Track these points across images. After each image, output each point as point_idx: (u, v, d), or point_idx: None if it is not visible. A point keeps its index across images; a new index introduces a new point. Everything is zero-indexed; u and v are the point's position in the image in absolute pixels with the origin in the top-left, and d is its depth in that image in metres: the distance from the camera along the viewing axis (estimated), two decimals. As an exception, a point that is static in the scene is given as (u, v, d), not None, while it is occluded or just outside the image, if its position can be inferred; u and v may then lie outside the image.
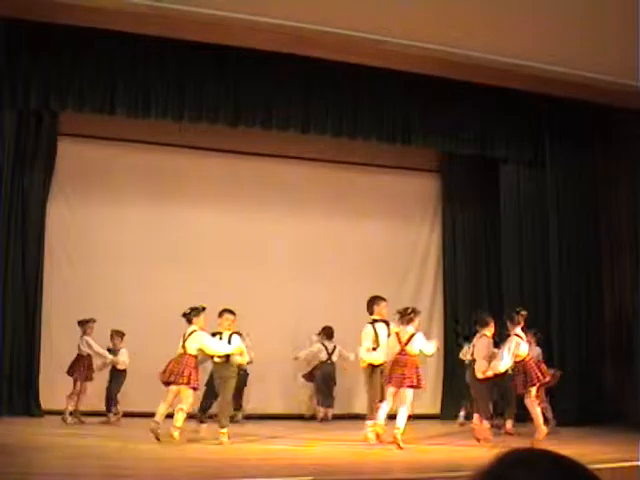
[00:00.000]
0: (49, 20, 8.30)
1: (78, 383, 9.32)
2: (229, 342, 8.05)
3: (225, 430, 7.85)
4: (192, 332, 7.92)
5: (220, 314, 8.23)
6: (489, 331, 8.30)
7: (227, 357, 8.05)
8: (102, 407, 9.51)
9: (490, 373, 7.95)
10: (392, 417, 7.85)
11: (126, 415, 9.64)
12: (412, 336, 7.93)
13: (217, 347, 8.00)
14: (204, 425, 8.60)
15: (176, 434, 7.59)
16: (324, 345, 10.96)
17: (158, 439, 7.51)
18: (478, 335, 8.47)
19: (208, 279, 10.86)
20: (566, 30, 8.51)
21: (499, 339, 8.65)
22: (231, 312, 8.22)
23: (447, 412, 11.13)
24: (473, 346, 8.67)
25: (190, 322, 7.96)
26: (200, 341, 7.90)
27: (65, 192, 10.70)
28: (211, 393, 8.66)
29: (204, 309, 8.05)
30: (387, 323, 8.24)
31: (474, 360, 8.34)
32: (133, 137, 10.89)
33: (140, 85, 9.09)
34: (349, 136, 10.12)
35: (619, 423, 9.56)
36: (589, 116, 10.82)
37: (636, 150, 10.40)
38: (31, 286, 10.12)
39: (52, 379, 9.77)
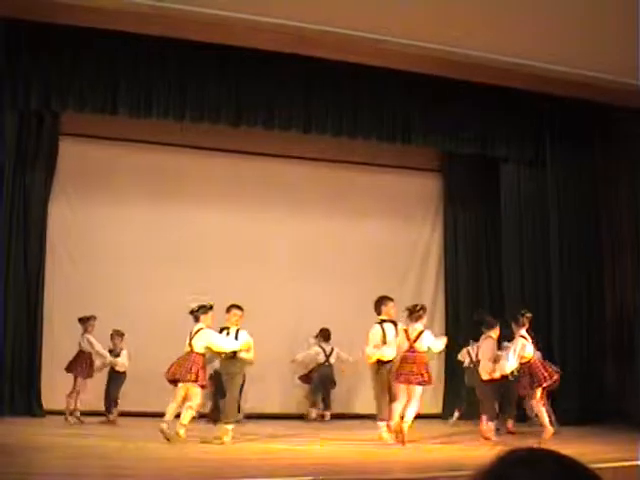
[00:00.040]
0: (49, 20, 8.30)
1: (78, 380, 9.27)
2: (236, 338, 8.00)
3: (230, 427, 7.84)
4: (199, 330, 7.88)
5: (228, 309, 8.19)
6: (494, 333, 8.34)
7: (234, 353, 8.00)
8: (102, 407, 9.49)
9: (497, 374, 7.97)
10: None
11: (127, 415, 9.64)
12: (421, 333, 7.99)
13: (224, 344, 7.94)
14: (216, 424, 8.45)
15: (182, 432, 7.53)
16: (322, 347, 10.95)
17: (168, 439, 7.44)
18: (483, 337, 8.49)
19: (209, 279, 10.85)
20: (566, 29, 8.51)
21: (499, 340, 8.70)
22: (239, 307, 8.19)
23: (448, 411, 11.12)
24: (477, 347, 8.69)
25: (197, 320, 7.92)
26: (207, 339, 7.85)
27: (66, 192, 10.71)
28: (220, 391, 8.56)
29: (212, 307, 8.02)
30: (395, 323, 8.23)
31: (478, 362, 8.36)
32: (135, 137, 10.89)
33: (142, 85, 9.10)
34: (349, 136, 10.13)
35: (620, 422, 9.56)
36: (589, 115, 10.82)
37: (636, 149, 10.40)
38: (33, 286, 10.13)
39: (54, 379, 9.77)
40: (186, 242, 11.02)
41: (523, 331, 8.10)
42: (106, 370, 9.61)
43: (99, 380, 9.53)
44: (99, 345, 9.40)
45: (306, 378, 11.04)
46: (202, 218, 11.19)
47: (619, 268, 10.88)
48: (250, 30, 8.41)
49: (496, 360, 8.11)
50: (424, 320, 8.09)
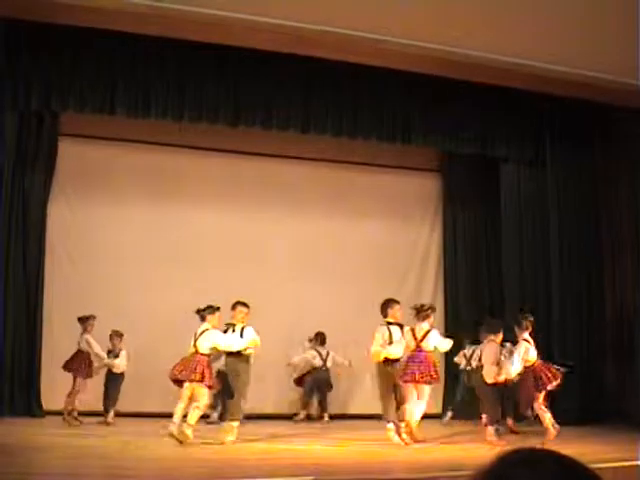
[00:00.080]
0: (49, 20, 8.30)
1: (78, 380, 9.23)
2: (241, 335, 7.97)
3: (236, 424, 7.81)
4: (204, 331, 7.84)
5: (233, 306, 8.17)
6: (497, 337, 8.37)
7: (239, 351, 7.97)
8: (101, 407, 9.46)
9: (502, 378, 8.01)
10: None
11: (127, 415, 9.64)
12: (427, 332, 8.02)
13: (231, 343, 7.90)
14: (225, 423, 8.34)
15: (189, 432, 7.47)
16: (318, 351, 10.93)
17: (180, 442, 7.38)
18: (486, 340, 8.53)
19: (208, 279, 10.86)
20: (566, 29, 8.51)
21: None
22: (245, 304, 8.16)
23: (455, 412, 11.11)
24: (480, 351, 8.72)
25: (203, 319, 7.88)
26: (213, 340, 7.80)
27: (66, 192, 10.71)
28: (227, 391, 8.45)
29: (219, 308, 7.98)
30: (401, 326, 8.23)
31: (481, 366, 8.40)
32: (133, 137, 10.90)
33: (140, 85, 9.09)
34: (349, 136, 10.12)
35: (620, 422, 9.55)
36: (589, 115, 10.82)
37: (636, 149, 10.40)
38: (32, 286, 10.13)
39: (53, 379, 9.76)
40: (185, 242, 11.03)
41: (526, 335, 8.14)
42: (104, 371, 9.56)
43: (99, 380, 9.52)
44: (97, 346, 9.35)
45: (300, 381, 11.01)
46: (201, 218, 11.19)
47: (619, 268, 10.88)
48: (249, 30, 8.40)
49: (499, 364, 8.13)
50: (431, 319, 8.14)
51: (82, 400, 9.33)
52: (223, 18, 8.15)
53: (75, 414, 9.25)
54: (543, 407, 8.05)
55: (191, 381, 7.60)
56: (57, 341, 9.97)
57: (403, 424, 7.98)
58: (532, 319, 8.28)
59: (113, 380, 9.47)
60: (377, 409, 10.60)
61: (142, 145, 11.04)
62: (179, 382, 7.77)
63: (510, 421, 9.18)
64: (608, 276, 10.91)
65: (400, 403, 8.04)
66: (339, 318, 11.27)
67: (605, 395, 10.33)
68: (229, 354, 8.07)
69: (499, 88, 9.94)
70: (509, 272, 11.20)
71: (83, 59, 8.85)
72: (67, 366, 9.28)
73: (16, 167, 10.10)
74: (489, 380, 8.12)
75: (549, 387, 8.06)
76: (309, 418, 10.82)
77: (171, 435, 7.42)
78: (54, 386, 9.71)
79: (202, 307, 7.95)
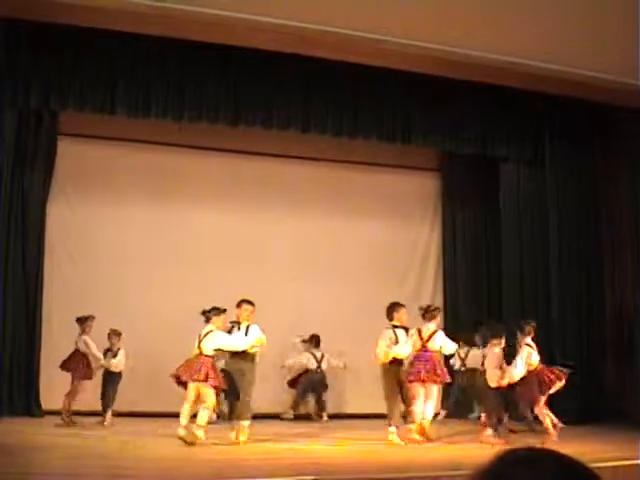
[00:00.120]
0: (49, 20, 8.30)
1: (76, 380, 9.17)
2: (246, 334, 7.94)
3: (247, 423, 7.79)
4: (208, 332, 7.79)
5: (239, 304, 8.13)
6: (501, 342, 8.42)
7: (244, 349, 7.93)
8: (99, 407, 9.44)
9: (505, 382, 8.04)
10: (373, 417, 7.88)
11: (128, 415, 9.64)
12: (434, 333, 8.07)
13: (236, 343, 7.87)
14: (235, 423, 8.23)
15: (200, 433, 7.43)
16: (312, 353, 10.91)
17: (189, 443, 7.34)
18: (490, 345, 8.57)
19: (208, 278, 10.87)
20: (566, 28, 8.51)
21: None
22: (250, 303, 8.12)
23: (448, 411, 11.13)
24: (484, 356, 8.75)
25: (208, 321, 7.83)
26: (218, 342, 7.76)
27: (65, 192, 10.71)
28: (233, 391, 8.32)
29: (225, 310, 7.93)
30: (406, 329, 8.24)
31: (484, 370, 8.44)
32: (133, 137, 10.90)
33: (140, 85, 9.09)
34: (349, 135, 10.12)
35: (620, 421, 9.55)
36: (589, 115, 10.82)
37: (636, 148, 10.40)
38: (31, 286, 10.13)
39: (52, 379, 9.76)
40: (185, 242, 11.03)
41: (529, 339, 8.19)
42: (101, 370, 9.47)
43: (98, 380, 9.49)
44: (95, 348, 9.27)
45: (293, 383, 10.97)
46: (201, 218, 11.19)
47: (619, 267, 10.88)
48: (250, 30, 8.40)
49: (502, 367, 8.17)
50: (437, 320, 8.17)
51: (81, 400, 9.30)
52: (224, 18, 8.14)
53: (70, 415, 9.16)
54: (544, 410, 8.08)
55: (194, 381, 7.56)
56: (56, 341, 9.96)
57: (413, 426, 8.00)
58: (534, 324, 8.33)
59: (110, 380, 9.39)
60: (376, 408, 10.62)
61: (142, 145, 11.04)
62: (183, 384, 7.75)
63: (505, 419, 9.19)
64: (608, 275, 10.91)
65: (407, 404, 8.06)
66: (339, 318, 11.28)
67: (605, 394, 10.33)
68: (233, 354, 8.03)
69: (499, 88, 9.94)
70: (509, 271, 11.20)
71: (83, 59, 8.84)
72: (64, 365, 9.23)
73: (15, 166, 10.09)
74: (492, 384, 8.18)
75: (552, 390, 8.11)
76: (306, 418, 10.79)
77: (179, 438, 7.37)
78: (53, 386, 9.71)
79: (207, 308, 7.89)
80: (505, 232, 11.32)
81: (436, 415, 10.58)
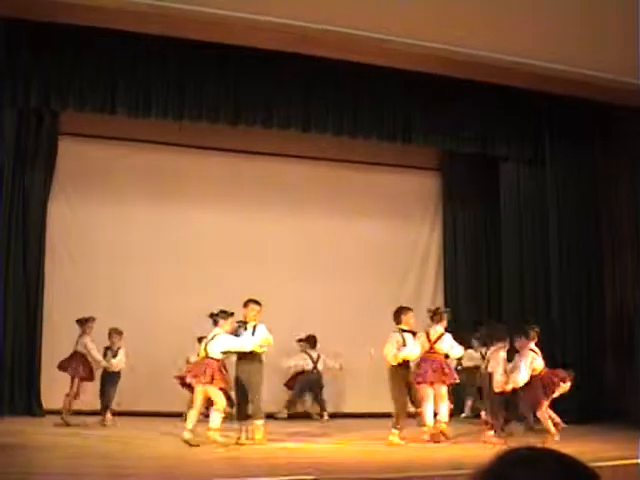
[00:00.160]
0: (50, 19, 8.29)
1: (75, 381, 9.12)
2: (253, 333, 7.93)
3: (261, 422, 7.77)
4: (215, 335, 7.75)
5: (245, 304, 8.11)
6: (505, 345, 8.46)
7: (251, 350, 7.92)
8: (99, 406, 9.42)
9: (509, 387, 8.07)
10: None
11: (128, 415, 9.64)
12: (441, 335, 8.10)
13: (243, 344, 7.84)
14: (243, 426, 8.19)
15: (216, 435, 7.38)
16: (308, 354, 10.88)
17: (196, 446, 7.32)
18: (494, 348, 8.60)
19: (208, 278, 10.87)
20: (566, 28, 8.51)
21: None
22: (257, 302, 8.10)
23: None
24: (488, 359, 8.78)
25: (216, 324, 7.79)
26: (225, 345, 7.71)
27: (66, 191, 10.71)
28: (241, 392, 8.27)
29: (232, 314, 7.89)
30: (414, 333, 8.25)
31: (490, 373, 8.49)
32: (134, 136, 10.90)
33: (141, 84, 9.08)
34: (350, 135, 10.11)
35: (620, 420, 9.55)
36: (589, 114, 10.82)
37: (636, 147, 10.40)
38: (32, 285, 10.13)
39: (53, 378, 9.74)
40: (185, 241, 11.03)
41: (532, 345, 8.22)
42: (100, 369, 9.42)
43: (98, 379, 9.48)
44: (95, 349, 9.21)
45: (290, 384, 10.94)
46: (201, 217, 11.19)
47: (619, 266, 10.88)
48: (251, 29, 8.39)
49: (506, 372, 8.20)
50: (445, 323, 8.17)
51: (82, 400, 9.26)
52: (224, 17, 8.14)
53: (67, 415, 9.11)
54: (546, 414, 8.11)
55: (200, 383, 7.52)
56: (57, 340, 9.95)
57: (426, 428, 8.02)
58: (538, 330, 8.35)
59: (110, 379, 9.35)
60: (375, 408, 10.66)
61: (142, 144, 11.04)
62: (188, 385, 7.73)
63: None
64: (608, 274, 10.91)
65: (417, 406, 8.07)
66: (339, 318, 11.28)
67: (605, 393, 10.32)
68: (241, 354, 8.02)
69: (499, 87, 9.94)
70: (509, 271, 11.20)
71: (84, 58, 8.83)
72: (62, 365, 9.18)
73: (16, 166, 10.09)
74: (497, 389, 8.22)
75: (556, 394, 8.14)
76: (304, 417, 10.78)
77: (184, 441, 7.35)
78: (54, 385, 9.70)
79: (215, 311, 7.85)
80: (505, 232, 11.32)
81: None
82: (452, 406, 8.81)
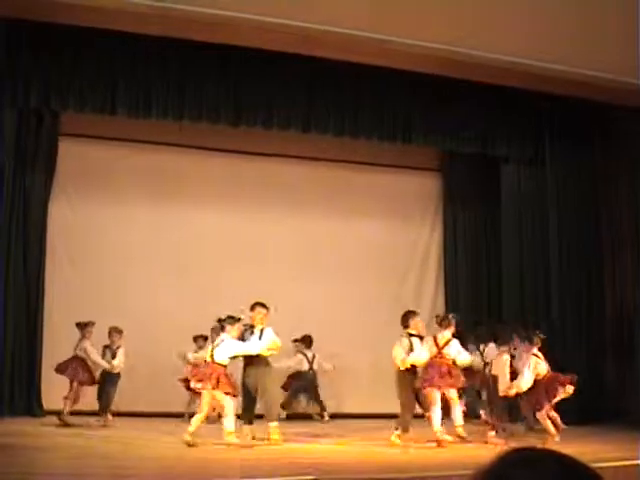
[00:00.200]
0: (50, 20, 8.30)
1: (74, 385, 9.07)
2: (260, 337, 7.92)
3: (275, 424, 7.76)
4: (222, 341, 7.72)
5: (252, 307, 8.11)
6: (509, 348, 8.48)
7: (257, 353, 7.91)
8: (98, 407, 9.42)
9: (513, 392, 8.09)
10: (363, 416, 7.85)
11: (128, 415, 9.64)
12: (449, 341, 8.13)
13: (250, 348, 7.84)
14: (247, 427, 8.18)
15: (231, 439, 7.35)
16: (304, 354, 10.85)
17: (191, 446, 7.33)
18: (498, 351, 8.62)
19: (208, 279, 10.88)
20: (566, 28, 8.52)
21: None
22: (263, 305, 8.10)
23: (449, 411, 11.12)
24: (491, 362, 8.80)
25: (223, 329, 7.77)
26: (232, 350, 7.69)
27: (67, 192, 10.71)
28: (247, 396, 8.23)
29: (240, 319, 7.87)
30: (421, 338, 8.26)
31: (494, 376, 8.52)
32: (134, 137, 10.90)
33: (141, 85, 9.09)
34: (351, 135, 10.12)
35: (620, 421, 9.55)
36: (589, 114, 10.82)
37: (636, 147, 10.40)
38: (33, 286, 10.13)
39: (54, 379, 9.72)
40: (186, 242, 11.03)
41: (535, 349, 8.26)
42: (99, 370, 9.38)
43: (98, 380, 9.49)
44: (95, 353, 9.18)
45: (285, 383, 10.90)
46: (202, 218, 11.19)
47: (619, 266, 10.89)
48: (250, 30, 8.39)
49: (510, 375, 8.24)
50: (453, 329, 8.19)
51: (83, 401, 9.25)
52: (224, 18, 8.14)
53: (65, 416, 9.05)
54: (546, 415, 8.13)
55: (205, 389, 7.50)
56: (57, 341, 9.95)
57: (437, 429, 8.03)
58: (543, 336, 8.40)
59: (110, 379, 9.32)
60: (375, 408, 10.66)
61: (143, 145, 11.04)
62: (192, 389, 7.72)
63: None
64: (608, 274, 10.92)
65: (425, 409, 8.08)
66: (339, 318, 11.28)
67: (605, 393, 10.33)
68: (247, 359, 8.01)
69: (499, 88, 9.95)
70: (509, 271, 11.20)
71: (84, 58, 8.84)
72: (60, 368, 9.12)
73: (16, 167, 10.10)
74: (501, 394, 8.25)
75: (558, 398, 8.17)
76: (304, 418, 10.75)
77: (185, 442, 7.35)
78: (54, 386, 9.69)
79: (222, 317, 7.83)
80: (505, 232, 11.32)
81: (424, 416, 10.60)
82: (465, 408, 8.83)
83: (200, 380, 7.58)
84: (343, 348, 11.02)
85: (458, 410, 8.14)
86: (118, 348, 9.38)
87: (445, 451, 7.58)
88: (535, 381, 8.14)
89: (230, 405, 7.50)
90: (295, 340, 10.86)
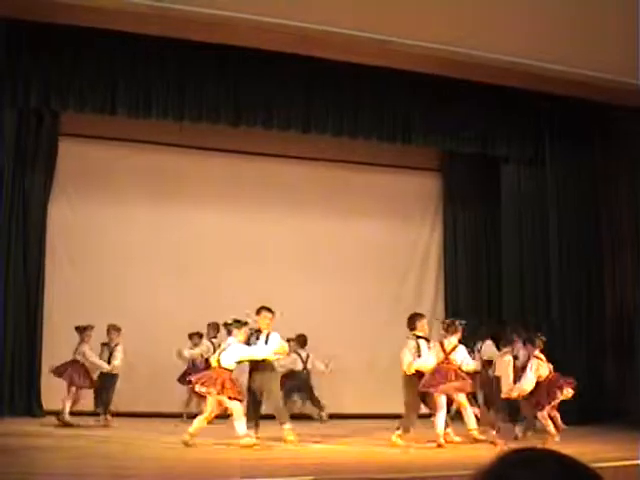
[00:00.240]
0: (50, 20, 8.30)
1: (73, 388, 9.05)
2: (266, 342, 7.92)
3: (288, 426, 7.75)
4: (228, 345, 7.69)
5: (258, 312, 8.09)
6: (512, 350, 8.48)
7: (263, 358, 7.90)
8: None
9: (515, 394, 8.10)
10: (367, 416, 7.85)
11: (128, 415, 9.64)
12: (455, 347, 8.13)
13: (257, 353, 7.81)
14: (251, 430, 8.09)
15: (247, 441, 7.33)
16: (298, 354, 10.82)
17: (192, 445, 7.34)
18: (501, 353, 8.60)
19: (208, 279, 10.89)
20: (566, 29, 8.52)
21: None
22: (269, 310, 8.08)
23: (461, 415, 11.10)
24: (495, 363, 8.80)
25: (229, 333, 7.75)
26: (239, 354, 7.66)
27: (67, 192, 10.71)
28: (253, 400, 8.16)
29: (247, 323, 7.83)
30: (428, 340, 8.28)
31: (498, 377, 8.52)
32: (134, 137, 10.90)
33: (141, 85, 9.09)
34: (350, 135, 10.12)
35: (620, 421, 9.55)
36: (589, 114, 10.82)
37: (636, 147, 10.40)
38: (32, 287, 10.13)
39: (53, 379, 9.71)
40: (186, 242, 11.03)
41: (537, 352, 8.27)
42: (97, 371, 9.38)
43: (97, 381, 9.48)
44: (94, 356, 9.16)
45: (279, 384, 10.84)
46: (202, 218, 11.20)
47: (619, 266, 10.89)
48: (250, 30, 8.39)
49: (512, 376, 8.25)
50: (459, 335, 8.20)
51: (82, 402, 9.25)
52: (224, 18, 8.14)
53: (64, 417, 9.04)
54: (548, 417, 8.14)
55: (210, 394, 7.48)
56: (57, 341, 9.96)
57: (444, 431, 8.04)
58: (544, 339, 8.43)
59: (109, 379, 9.31)
60: (375, 409, 10.67)
61: (143, 145, 11.04)
62: (197, 392, 7.71)
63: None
64: (608, 274, 10.92)
65: (434, 411, 8.09)
66: (339, 318, 11.28)
67: (605, 394, 10.32)
68: (253, 363, 7.99)
69: (499, 88, 9.95)
70: (509, 271, 11.20)
71: (84, 58, 8.84)
72: (57, 371, 9.08)
73: (16, 167, 10.10)
74: (504, 395, 8.27)
75: (557, 400, 8.18)
76: (302, 418, 10.72)
77: (183, 442, 7.35)
78: (54, 386, 9.68)
79: (229, 321, 7.80)
80: (505, 232, 11.32)
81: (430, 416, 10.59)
82: (477, 410, 8.82)
83: (204, 384, 7.57)
84: (343, 348, 11.01)
85: (470, 413, 8.12)
86: (116, 346, 9.35)
87: (445, 451, 7.58)
88: (537, 382, 8.17)
89: (239, 409, 7.46)
90: (289, 339, 10.83)
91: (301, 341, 10.78)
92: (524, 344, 8.68)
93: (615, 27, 8.24)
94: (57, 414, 9.03)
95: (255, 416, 8.04)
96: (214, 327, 10.05)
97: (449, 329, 8.24)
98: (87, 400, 9.33)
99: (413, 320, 8.35)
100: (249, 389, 8.01)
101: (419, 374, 8.10)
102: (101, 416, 9.23)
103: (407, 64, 9.29)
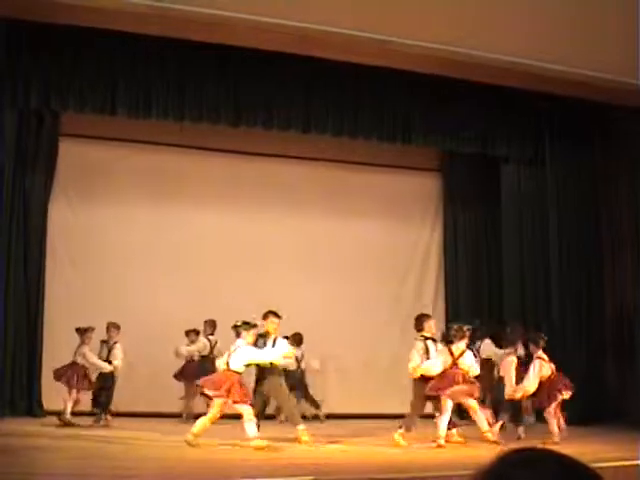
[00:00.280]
0: (50, 20, 8.30)
1: (74, 391, 9.06)
2: (273, 346, 7.94)
3: (302, 427, 7.77)
4: (237, 348, 7.66)
5: (265, 316, 8.10)
6: (515, 351, 8.48)
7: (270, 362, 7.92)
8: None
9: (519, 395, 8.09)
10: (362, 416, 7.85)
11: (128, 415, 9.64)
12: (463, 352, 8.14)
13: (265, 357, 7.82)
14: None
15: (258, 442, 7.31)
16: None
17: (192, 446, 7.34)
18: (504, 353, 8.61)
19: (208, 279, 10.88)
20: (566, 29, 8.52)
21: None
22: (276, 315, 8.09)
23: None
24: (498, 365, 8.80)
25: (238, 335, 7.69)
26: (247, 357, 7.63)
27: (67, 193, 10.72)
28: (259, 403, 8.14)
29: (255, 325, 7.82)
30: (435, 341, 8.28)
31: (501, 378, 8.53)
32: (134, 137, 10.90)
33: (141, 85, 9.08)
34: (350, 136, 10.11)
35: (620, 421, 9.55)
36: (588, 114, 10.82)
37: (635, 147, 10.40)
38: (33, 288, 10.13)
39: (54, 380, 9.75)
40: (186, 242, 11.03)
41: (540, 352, 8.28)
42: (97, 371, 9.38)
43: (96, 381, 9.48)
44: (94, 358, 9.16)
45: None
46: (202, 218, 11.20)
47: (619, 266, 10.88)
48: (250, 30, 8.39)
49: (515, 377, 8.25)
50: (467, 340, 8.23)
51: (83, 402, 9.25)
52: (224, 18, 8.14)
53: (65, 417, 9.03)
54: (551, 415, 8.15)
55: (217, 397, 7.47)
56: (58, 341, 9.96)
57: (450, 431, 8.06)
58: (546, 338, 8.47)
59: (108, 380, 9.31)
60: (374, 409, 10.67)
61: (143, 145, 11.04)
62: (206, 394, 7.72)
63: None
64: (608, 274, 10.91)
65: (440, 414, 8.10)
66: (339, 318, 11.27)
67: (605, 394, 10.32)
68: (260, 367, 8.00)
69: (499, 88, 9.95)
70: (509, 272, 11.20)
71: (84, 59, 8.84)
72: (57, 374, 9.08)
73: (16, 167, 10.09)
74: (507, 396, 8.27)
75: (560, 398, 8.19)
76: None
77: (186, 441, 7.35)
78: (55, 387, 9.68)
79: (238, 323, 7.74)
80: (505, 232, 11.32)
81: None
82: (489, 411, 8.83)
83: (210, 387, 7.56)
84: (343, 348, 11.02)
85: (481, 416, 8.11)
86: (115, 343, 9.34)
87: (445, 451, 7.58)
88: (540, 382, 8.18)
89: (248, 410, 7.43)
90: (285, 337, 10.80)
91: (297, 340, 10.72)
92: (524, 344, 8.68)
93: (615, 27, 8.24)
94: (58, 414, 9.03)
95: (257, 419, 8.04)
96: (211, 324, 10.08)
97: (457, 334, 8.21)
98: (87, 400, 9.33)
99: (420, 321, 8.34)
100: (255, 392, 8.01)
101: (426, 380, 8.08)
102: (97, 416, 9.22)
103: (407, 64, 9.29)
